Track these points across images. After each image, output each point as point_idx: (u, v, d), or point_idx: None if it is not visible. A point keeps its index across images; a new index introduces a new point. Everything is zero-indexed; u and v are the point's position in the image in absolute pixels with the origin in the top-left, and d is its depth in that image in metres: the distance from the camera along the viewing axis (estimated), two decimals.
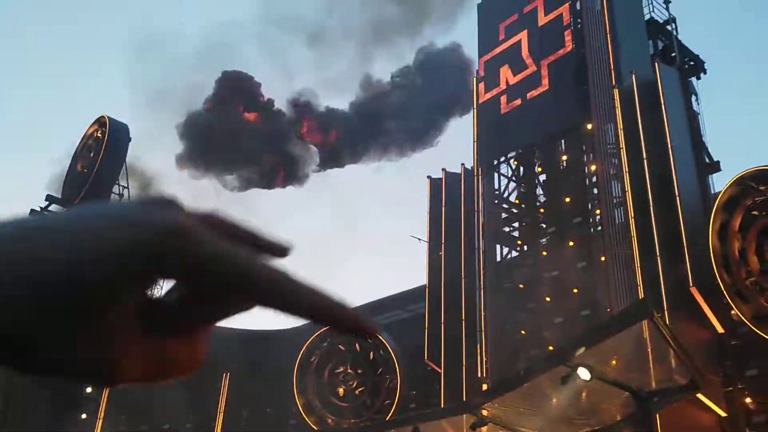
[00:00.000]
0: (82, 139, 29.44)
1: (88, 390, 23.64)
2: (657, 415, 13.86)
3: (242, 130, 36.66)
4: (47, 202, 26.68)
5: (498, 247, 23.04)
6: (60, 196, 27.37)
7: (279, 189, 40.91)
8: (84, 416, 23.18)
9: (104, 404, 23.69)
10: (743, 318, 15.53)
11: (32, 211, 26.36)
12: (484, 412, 15.49)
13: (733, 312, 15.95)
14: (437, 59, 39.07)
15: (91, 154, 27.64)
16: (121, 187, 27.53)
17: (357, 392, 25.07)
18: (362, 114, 39.08)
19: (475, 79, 24.69)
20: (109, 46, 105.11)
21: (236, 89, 37.71)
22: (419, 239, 27.20)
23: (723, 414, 15.57)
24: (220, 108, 36.84)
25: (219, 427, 24.34)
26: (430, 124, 38.81)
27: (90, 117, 29.69)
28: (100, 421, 23.42)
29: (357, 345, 25.52)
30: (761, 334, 15.19)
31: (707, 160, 19.38)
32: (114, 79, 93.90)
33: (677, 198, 16.56)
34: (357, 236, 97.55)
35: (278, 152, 38.12)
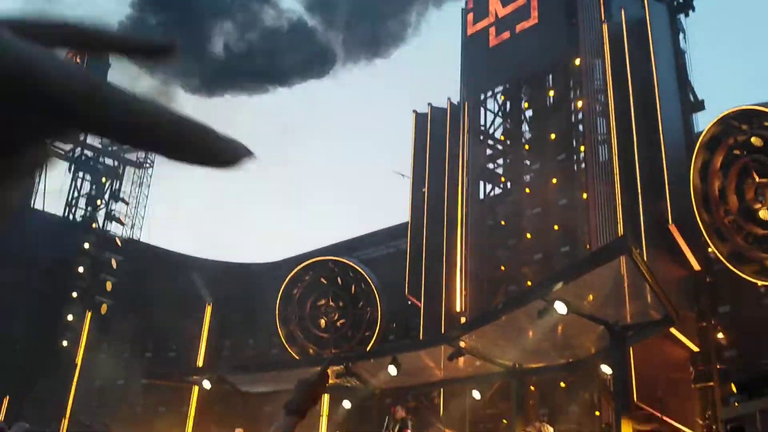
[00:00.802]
0: None
1: (69, 318, 23.77)
2: (631, 349, 14.15)
3: None
4: None
5: (481, 183, 23.01)
6: None
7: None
8: (65, 344, 23.33)
9: (86, 332, 23.86)
10: (720, 256, 15.72)
11: None
12: (462, 344, 15.73)
13: (710, 250, 16.13)
14: None
15: None
16: None
17: (338, 324, 25.39)
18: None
19: (463, 9, 24.13)
20: None
21: None
22: (403, 175, 27.15)
23: (695, 349, 15.92)
24: None
25: (201, 357, 24.63)
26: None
27: None
28: (81, 349, 23.63)
29: (339, 279, 25.72)
30: (736, 271, 15.41)
31: (692, 99, 19.25)
32: None
33: (661, 135, 16.49)
34: (339, 171, 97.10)
35: None
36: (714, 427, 15.08)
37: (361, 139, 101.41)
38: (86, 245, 24.43)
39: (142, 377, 20.97)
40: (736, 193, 15.77)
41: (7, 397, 21.75)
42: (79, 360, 23.42)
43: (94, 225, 25.30)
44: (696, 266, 16.46)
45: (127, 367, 21.60)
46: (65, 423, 22.57)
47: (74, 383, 23.05)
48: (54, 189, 25.94)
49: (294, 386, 2.29)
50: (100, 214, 25.75)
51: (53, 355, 22.71)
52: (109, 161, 26.79)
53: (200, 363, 23.86)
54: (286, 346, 25.19)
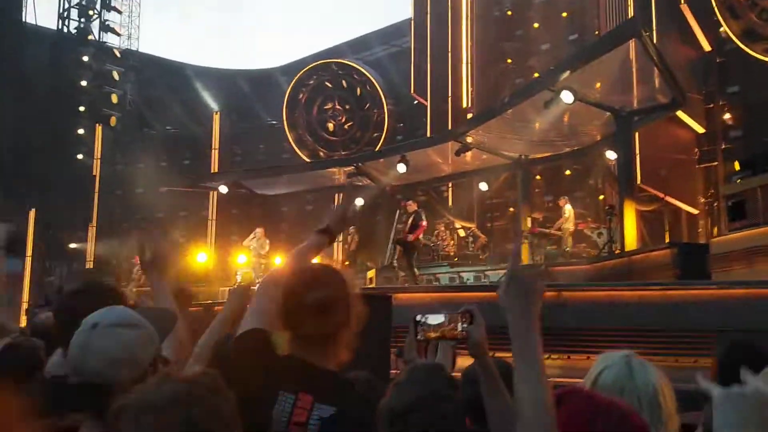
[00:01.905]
0: None
1: (80, 132, 24.02)
2: (636, 133, 14.33)
3: None
4: None
5: None
6: None
7: None
8: (80, 157, 23.77)
9: (99, 144, 24.23)
10: (731, 34, 15.32)
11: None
12: (469, 139, 15.97)
13: (721, 29, 15.69)
14: None
15: None
16: None
17: (346, 126, 25.56)
18: None
19: None
20: None
21: None
22: None
23: (701, 130, 16.06)
24: None
25: (215, 163, 25.15)
26: None
27: None
28: (97, 161, 24.15)
29: (343, 82, 25.50)
30: (747, 50, 15.11)
31: None
32: None
33: None
34: None
35: None
36: (715, 204, 15.63)
37: None
38: (85, 58, 24.01)
39: (159, 185, 21.63)
40: None
41: (35, 208, 22.65)
42: (96, 171, 24.02)
43: (90, 37, 24.65)
44: (706, 46, 16.11)
45: (144, 176, 22.18)
46: (92, 230, 23.68)
47: (96, 193, 23.85)
48: (44, 1, 25.01)
49: (327, 213, 2.42)
50: (95, 26, 24.99)
51: (70, 167, 23.26)
52: None
53: (214, 169, 24.43)
54: (297, 150, 25.59)
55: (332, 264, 2.13)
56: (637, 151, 14.45)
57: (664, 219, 16.30)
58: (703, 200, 16.41)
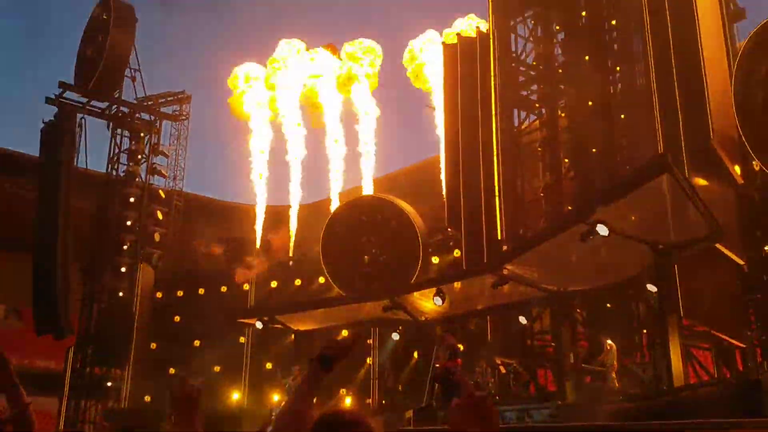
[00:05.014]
0: (88, 22, 28.85)
1: (123, 269, 24.63)
2: (675, 266, 14.20)
3: None
4: (61, 89, 26.62)
5: (516, 111, 22.76)
6: (73, 83, 27.23)
7: None
8: (121, 294, 24.27)
9: (140, 282, 24.72)
10: (765, 168, 15.48)
11: (47, 99, 26.36)
12: (505, 271, 15.97)
13: (754, 163, 15.88)
14: None
15: (99, 38, 27.17)
16: (132, 71, 27.26)
17: (381, 258, 25.81)
18: None
19: None
20: None
21: None
22: (432, 108, 27.04)
23: (741, 262, 15.86)
24: None
25: (252, 297, 25.35)
26: None
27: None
28: (138, 298, 24.58)
29: (379, 215, 26.03)
30: None
31: (732, 7, 18.57)
32: None
33: (699, 49, 16.00)
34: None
35: None
36: (763, 337, 15.17)
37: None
38: (132, 199, 25.09)
39: (197, 317, 21.88)
40: None
41: (72, 346, 22.85)
42: (136, 308, 24.40)
43: (137, 179, 25.90)
44: (739, 180, 16.24)
45: (183, 306, 22.54)
46: (129, 368, 23.69)
47: (134, 330, 24.10)
48: (96, 148, 26.54)
49: (323, 344, 2.38)
50: (142, 169, 26.31)
51: (111, 304, 23.70)
52: (145, 116, 27.15)
53: (251, 302, 24.63)
54: (332, 283, 25.74)
55: (359, 412, 2.03)
56: (678, 285, 14.24)
57: (711, 353, 15.79)
58: (749, 333, 15.92)
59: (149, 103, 27.59)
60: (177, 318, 24.07)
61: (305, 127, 31.12)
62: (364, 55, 30.50)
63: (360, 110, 30.33)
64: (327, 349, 2.33)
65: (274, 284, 26.71)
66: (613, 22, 19.86)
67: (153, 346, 24.39)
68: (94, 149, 26.24)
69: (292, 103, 30.73)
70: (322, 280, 25.97)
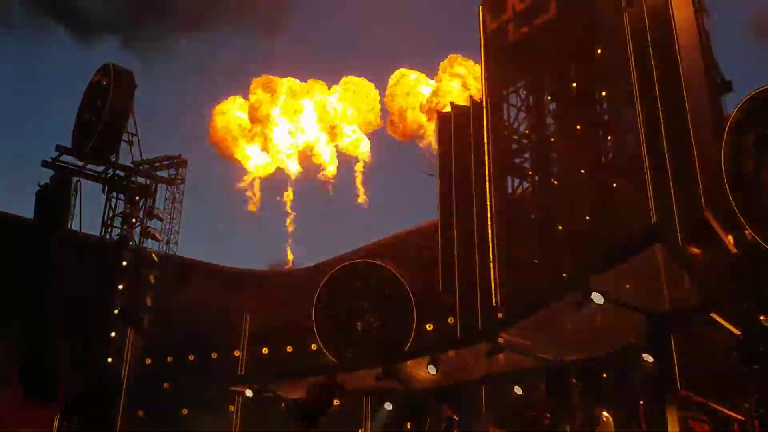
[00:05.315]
0: (88, 87, 29.24)
1: (112, 334, 24.27)
2: (671, 336, 14.07)
3: None
4: (57, 153, 26.76)
5: (509, 178, 23.01)
6: (70, 146, 27.39)
7: None
8: (110, 360, 23.80)
9: (129, 348, 24.29)
10: (757, 237, 15.56)
11: (43, 162, 26.47)
12: (500, 340, 15.79)
13: (747, 232, 15.97)
14: None
15: (98, 103, 27.50)
16: (130, 135, 27.48)
17: (374, 325, 25.56)
18: None
19: (480, 7, 24.12)
20: None
21: None
22: (430, 174, 27.27)
23: (737, 332, 15.74)
24: None
25: (242, 364, 24.96)
26: None
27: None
28: (126, 364, 24.12)
29: (372, 281, 25.93)
30: None
31: (719, 80, 19.05)
32: None
33: (689, 121, 16.33)
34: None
35: None
36: (761, 410, 14.92)
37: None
38: (124, 263, 24.90)
39: (185, 383, 21.45)
40: None
41: (58, 415, 22.24)
42: (124, 376, 23.91)
43: (130, 243, 25.77)
44: (733, 249, 16.30)
45: (172, 371, 22.11)
46: None
47: (122, 398, 23.55)
48: (90, 211, 26.47)
49: (305, 392, 2.41)
50: (136, 232, 26.20)
51: (98, 372, 23.21)
52: (141, 180, 27.25)
53: (241, 371, 24.21)
54: (324, 350, 25.43)
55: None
56: (675, 355, 14.09)
57: (709, 425, 15.48)
58: (747, 405, 15.67)
59: (146, 166, 27.72)
60: (166, 385, 23.57)
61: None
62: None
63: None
64: (306, 405, 2.43)
65: (265, 351, 26.34)
66: (603, 93, 20.27)
67: (140, 413, 23.82)
68: (87, 211, 26.18)
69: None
70: (314, 346, 25.66)
